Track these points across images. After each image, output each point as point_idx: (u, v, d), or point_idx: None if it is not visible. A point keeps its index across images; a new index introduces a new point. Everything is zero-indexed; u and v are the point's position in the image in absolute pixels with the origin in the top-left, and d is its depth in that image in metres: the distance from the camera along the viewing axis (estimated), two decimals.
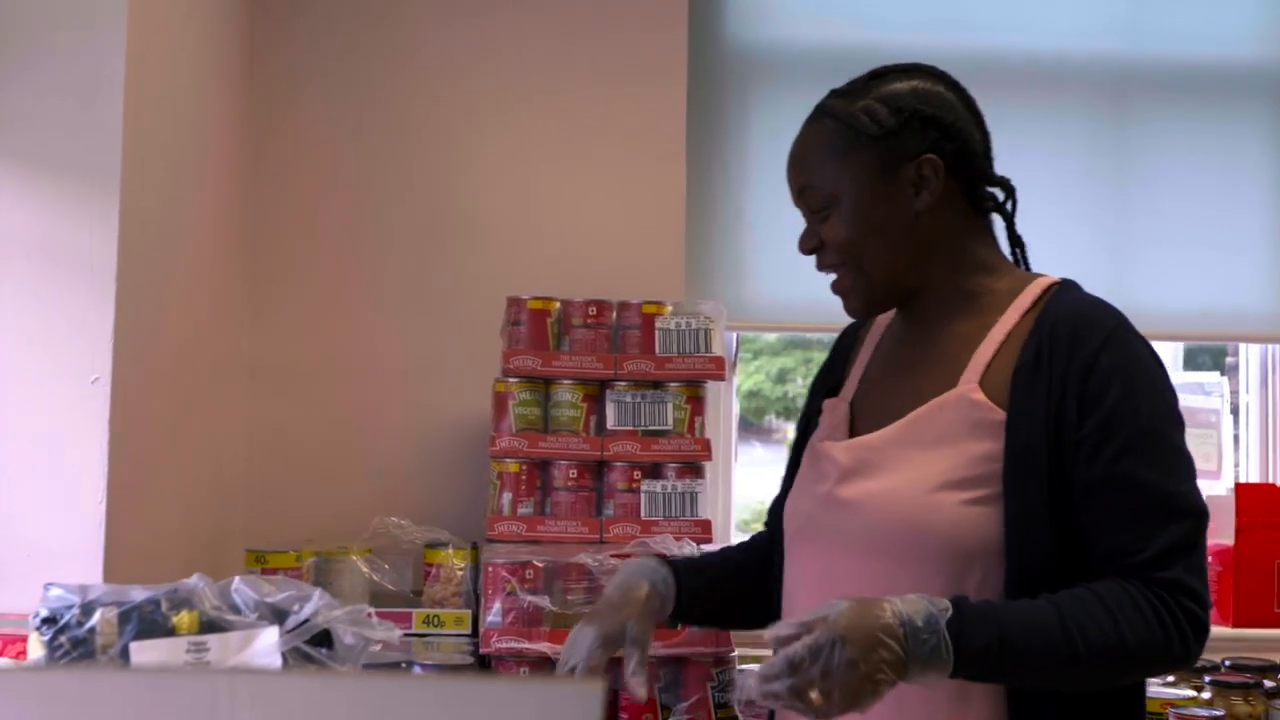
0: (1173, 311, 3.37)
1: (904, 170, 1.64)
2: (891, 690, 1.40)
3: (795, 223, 3.44)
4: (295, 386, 3.08)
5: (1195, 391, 3.51)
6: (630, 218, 3.17)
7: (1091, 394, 1.51)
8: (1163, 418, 1.54)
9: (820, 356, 3.91)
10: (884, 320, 1.82)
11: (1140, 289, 3.35)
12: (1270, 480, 3.42)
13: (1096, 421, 1.51)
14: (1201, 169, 3.43)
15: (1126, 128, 3.41)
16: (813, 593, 1.62)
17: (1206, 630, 1.49)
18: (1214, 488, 3.36)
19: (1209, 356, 3.69)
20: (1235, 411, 3.54)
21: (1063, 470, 1.51)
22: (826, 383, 1.85)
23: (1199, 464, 3.41)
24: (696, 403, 2.67)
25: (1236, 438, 3.53)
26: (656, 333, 2.68)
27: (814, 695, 1.38)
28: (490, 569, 2.42)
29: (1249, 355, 3.54)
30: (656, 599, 1.75)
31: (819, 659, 1.38)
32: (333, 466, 3.06)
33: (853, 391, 1.76)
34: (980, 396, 1.56)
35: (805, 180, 1.70)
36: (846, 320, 3.28)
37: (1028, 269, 1.75)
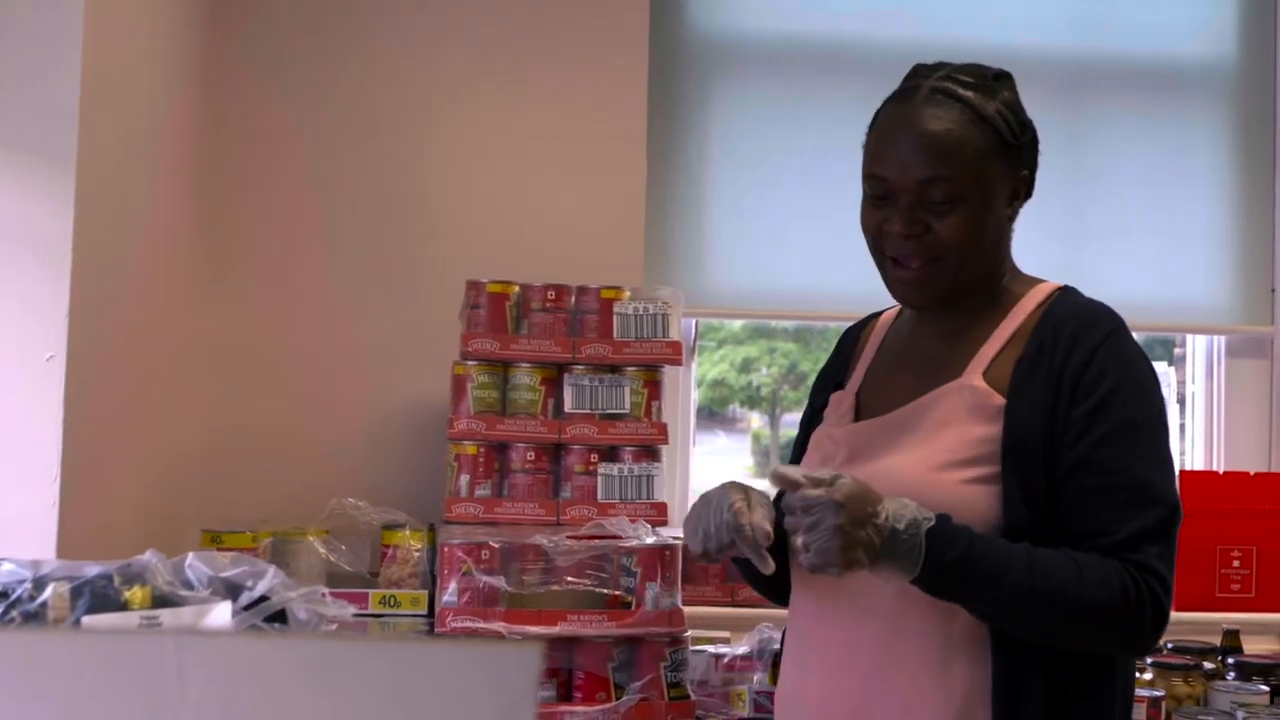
0: (1122, 302, 3.35)
1: (1013, 183, 1.69)
2: (859, 575, 1.52)
3: (756, 212, 3.48)
4: (253, 368, 3.08)
5: None
6: (590, 203, 3.19)
7: (1086, 384, 1.58)
8: (1149, 415, 1.61)
9: (785, 346, 3.93)
10: (887, 319, 1.88)
11: (1090, 280, 3.34)
12: (1213, 467, 3.48)
13: (1087, 409, 1.57)
14: (1151, 163, 3.48)
15: (1078, 122, 3.45)
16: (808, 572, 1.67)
17: (1166, 617, 1.55)
18: None
19: (1158, 347, 3.75)
20: (1182, 401, 3.59)
21: (1053, 453, 1.58)
22: (830, 380, 1.89)
23: None
24: (654, 387, 2.70)
25: (1183, 427, 3.58)
26: (614, 317, 2.71)
27: (798, 541, 1.51)
28: (446, 550, 2.44)
29: (1195, 346, 3.59)
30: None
31: (811, 513, 1.50)
32: (290, 448, 3.07)
33: (858, 384, 1.82)
34: (982, 384, 1.63)
35: (940, 171, 1.63)
36: (804, 309, 3.35)
37: None
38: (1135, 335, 3.45)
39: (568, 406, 2.67)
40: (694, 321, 3.39)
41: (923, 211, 1.64)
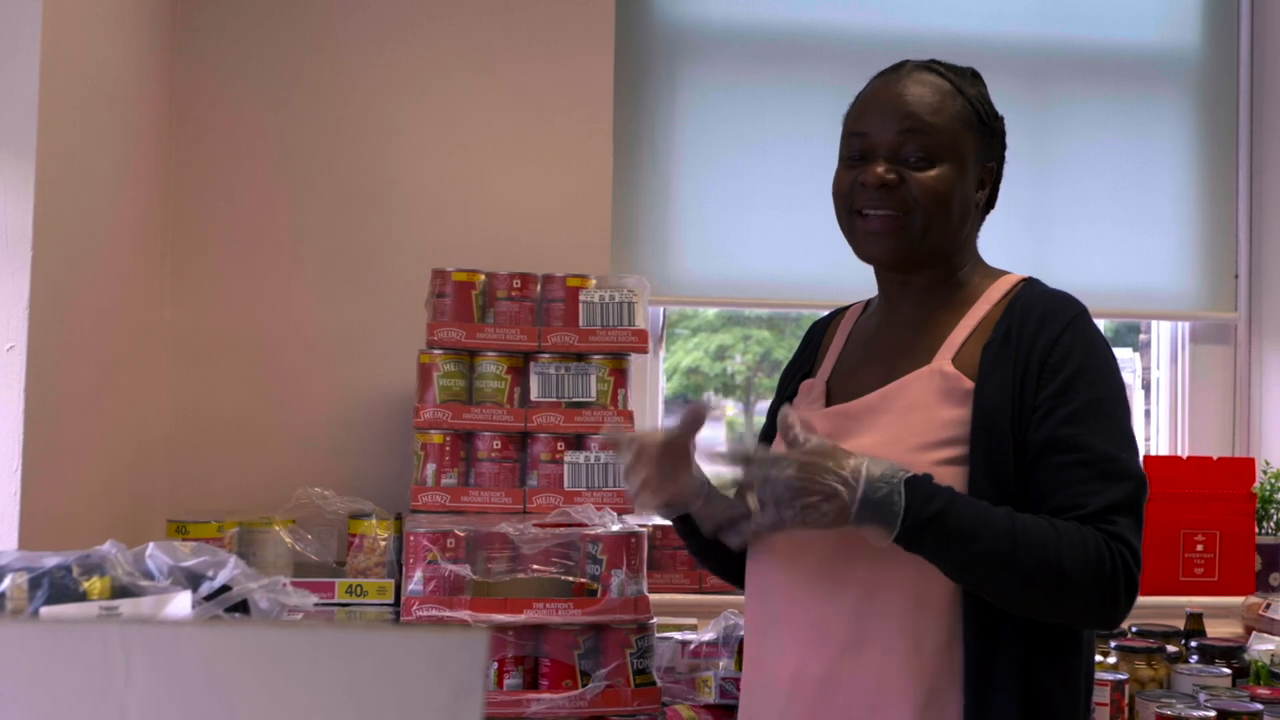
0: (1087, 289, 3.38)
1: (984, 166, 1.76)
2: (829, 525, 1.52)
3: (723, 200, 3.48)
4: (218, 357, 3.07)
5: None
6: (557, 191, 3.19)
7: (1052, 365, 1.62)
8: (1113, 395, 1.64)
9: (759, 334, 3.94)
10: (854, 312, 1.91)
11: (1056, 267, 3.42)
12: (1178, 452, 3.51)
13: (1053, 389, 1.61)
14: (1115, 150, 3.51)
15: (1043, 110, 3.47)
16: (774, 546, 1.71)
17: (1137, 589, 1.57)
18: None
19: (1123, 333, 3.77)
20: (1146, 387, 3.62)
21: (1022, 433, 1.61)
22: (799, 370, 1.92)
23: None
24: (620, 375, 2.70)
25: (1148, 412, 3.61)
26: (580, 306, 2.71)
27: (752, 502, 1.54)
28: (412, 538, 2.43)
29: (1160, 332, 3.62)
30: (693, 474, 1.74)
31: (765, 467, 1.53)
32: (256, 437, 3.06)
33: (828, 372, 1.84)
34: (951, 369, 1.66)
35: (924, 125, 1.70)
36: (771, 296, 3.36)
37: None
38: (1101, 322, 3.50)
39: (534, 395, 2.67)
40: (661, 309, 3.40)
41: (898, 166, 1.71)
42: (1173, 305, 3.52)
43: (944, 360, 1.68)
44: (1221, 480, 3.19)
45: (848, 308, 1.94)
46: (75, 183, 2.28)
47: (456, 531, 2.44)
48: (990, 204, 1.81)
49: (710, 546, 1.83)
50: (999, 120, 1.79)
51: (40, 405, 2.08)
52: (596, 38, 3.23)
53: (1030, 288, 1.73)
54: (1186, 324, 3.57)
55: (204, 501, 2.89)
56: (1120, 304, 3.47)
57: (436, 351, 2.67)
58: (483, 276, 2.72)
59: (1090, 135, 3.49)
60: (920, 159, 1.70)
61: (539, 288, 2.74)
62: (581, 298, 2.71)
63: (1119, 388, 1.66)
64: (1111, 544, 1.54)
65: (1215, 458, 3.27)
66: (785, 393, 1.90)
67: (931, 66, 1.76)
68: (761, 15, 3.42)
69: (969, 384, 1.64)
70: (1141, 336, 3.70)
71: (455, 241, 3.09)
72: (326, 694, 0.76)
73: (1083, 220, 3.48)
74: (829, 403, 1.79)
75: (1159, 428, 3.59)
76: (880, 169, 1.70)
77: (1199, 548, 3.16)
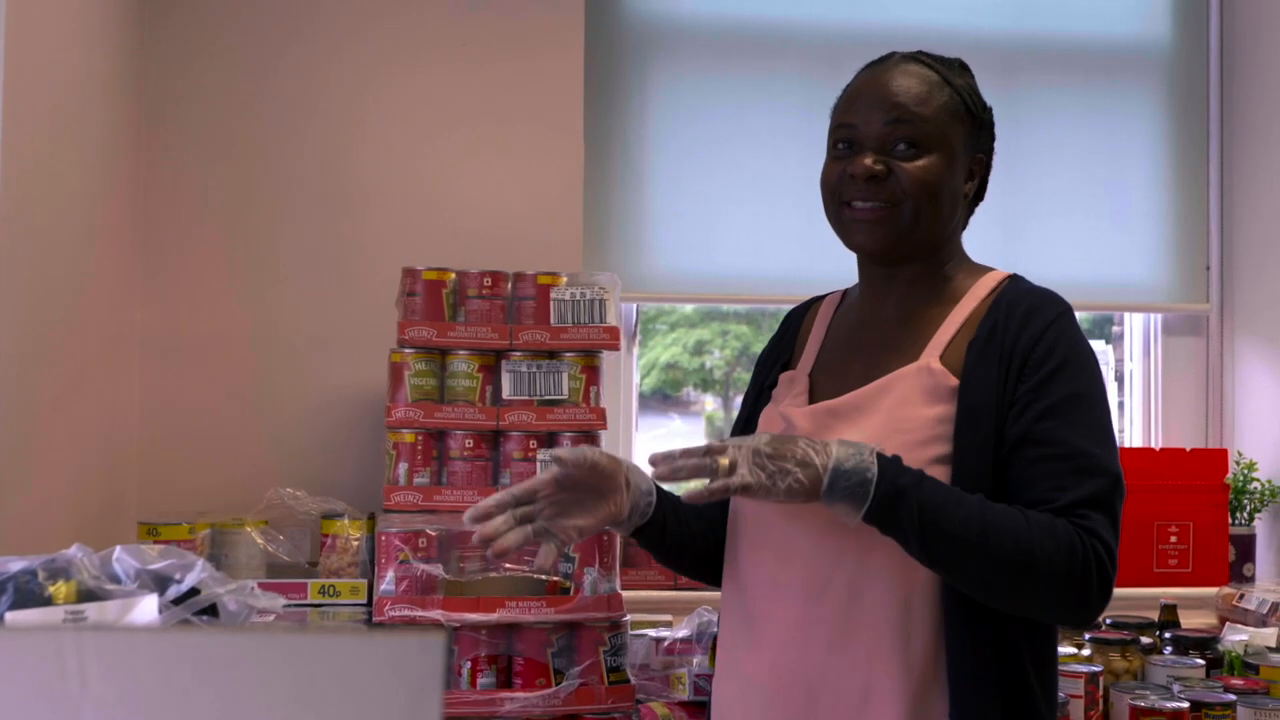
0: (1060, 282, 3.38)
1: (973, 157, 1.77)
2: (800, 495, 1.51)
3: (696, 196, 3.48)
4: (188, 358, 3.05)
5: None
6: (528, 189, 3.18)
7: (1034, 361, 1.62)
8: (1092, 391, 1.63)
9: (737, 329, 3.95)
10: (832, 302, 1.90)
11: (1028, 260, 3.42)
12: (1151, 444, 3.52)
13: (1033, 384, 1.60)
14: (1086, 143, 3.51)
15: (1014, 103, 3.47)
16: (757, 545, 1.70)
17: (1112, 585, 1.56)
18: None
19: (1095, 326, 3.78)
20: (1120, 379, 3.63)
21: (1002, 428, 1.61)
22: (776, 360, 1.90)
23: None
24: (592, 372, 2.69)
25: (1121, 404, 3.62)
26: (552, 303, 2.70)
27: (724, 457, 1.52)
28: (384, 538, 2.42)
29: (1132, 324, 3.64)
30: (628, 493, 1.72)
31: (735, 442, 1.54)
32: (227, 438, 3.04)
33: (810, 365, 1.83)
34: (939, 366, 1.66)
35: (913, 115, 1.70)
36: (744, 292, 3.35)
37: None
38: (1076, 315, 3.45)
39: (506, 393, 2.66)
40: (634, 306, 3.39)
41: (886, 157, 1.70)
42: (1145, 297, 3.53)
43: (931, 357, 1.67)
44: (1195, 471, 3.21)
45: (824, 296, 1.93)
46: (42, 184, 2.26)
47: (428, 531, 2.43)
48: (979, 196, 1.81)
49: (676, 551, 1.85)
50: (987, 111, 1.79)
51: (7, 408, 2.06)
52: (566, 34, 3.22)
53: (1015, 285, 1.73)
54: (1159, 316, 3.58)
55: (175, 503, 2.87)
56: (1093, 296, 3.48)
57: (408, 350, 2.66)
58: (453, 275, 2.71)
59: (1061, 128, 3.50)
60: (908, 150, 1.69)
61: (510, 286, 2.73)
62: (553, 295, 2.71)
63: (1099, 386, 1.66)
64: (1084, 537, 1.52)
65: (1188, 449, 3.29)
66: (764, 382, 1.88)
67: (919, 58, 1.76)
68: (731, 10, 3.42)
69: (954, 381, 1.64)
70: (1114, 328, 3.71)
71: (426, 240, 3.08)
72: (284, 699, 0.75)
73: (1055, 213, 3.48)
74: (813, 398, 1.78)
75: (1132, 419, 3.60)
76: (868, 160, 1.69)
77: (1172, 539, 3.17)
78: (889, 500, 1.51)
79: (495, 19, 3.19)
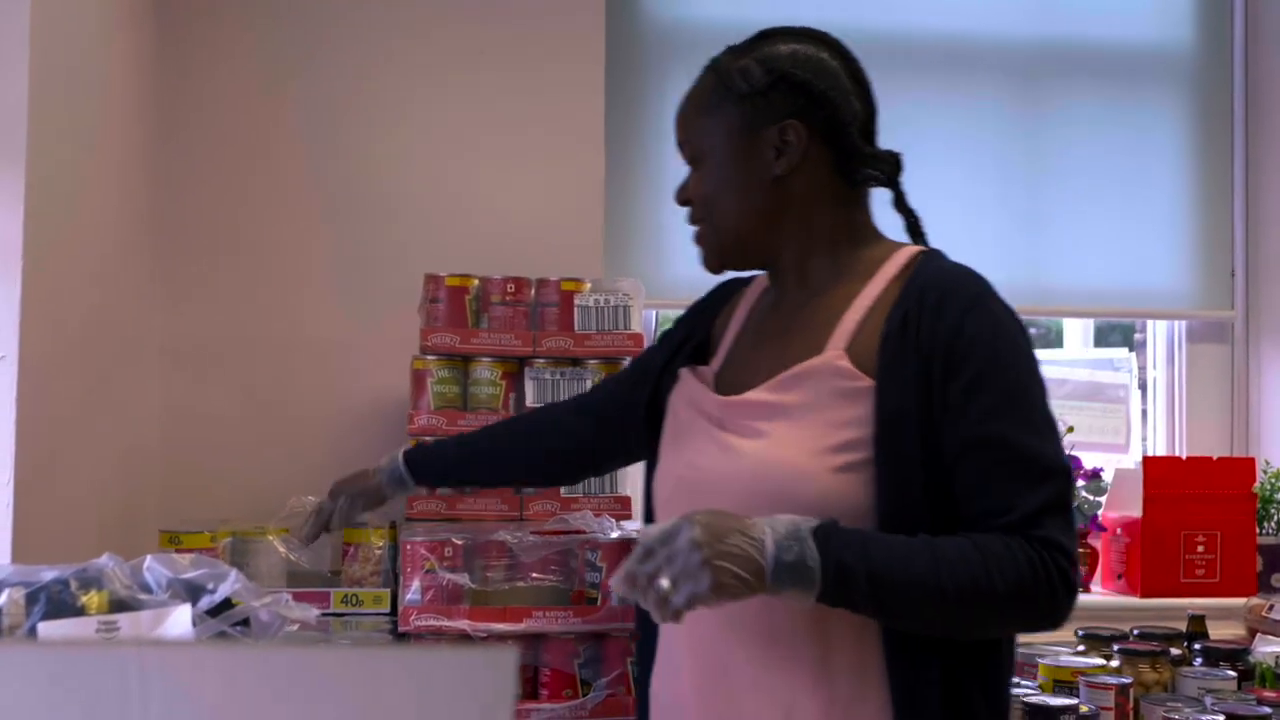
0: (1084, 289, 3.44)
1: (766, 132, 1.66)
2: (747, 593, 1.40)
3: None
4: (210, 365, 3.04)
5: (1105, 367, 3.57)
6: (550, 196, 3.16)
7: (958, 357, 1.52)
8: (1026, 380, 1.55)
9: None
10: (755, 291, 1.83)
11: (1052, 267, 3.41)
12: (1176, 453, 3.49)
13: (963, 384, 1.51)
14: (1111, 149, 3.49)
15: (1037, 108, 3.45)
16: None
17: (1077, 587, 1.50)
18: (1122, 461, 3.42)
19: (1118, 333, 3.76)
20: (1144, 387, 3.61)
21: (933, 434, 1.51)
22: (688, 336, 1.86)
23: (1110, 438, 3.48)
24: None
25: (1145, 412, 3.60)
26: (575, 310, 2.68)
27: (663, 582, 1.39)
28: (409, 547, 2.40)
29: (1156, 332, 3.61)
30: (377, 478, 2.25)
31: (668, 543, 1.41)
32: (249, 446, 3.02)
33: (720, 361, 1.77)
34: (846, 364, 1.56)
35: (682, 133, 1.74)
36: None
37: (925, 243, 1.74)
38: (1096, 322, 3.47)
39: (529, 400, 2.64)
40: (654, 313, 3.37)
41: (689, 178, 1.74)
42: (1169, 304, 3.51)
43: (837, 350, 1.58)
44: (1221, 480, 3.18)
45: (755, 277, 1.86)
46: (65, 191, 2.25)
47: (454, 540, 2.41)
48: (847, 153, 1.67)
49: (488, 482, 2.37)
50: (772, 74, 1.66)
51: (32, 415, 2.05)
52: (587, 42, 3.21)
53: (927, 265, 1.62)
54: (1183, 323, 3.56)
55: (197, 511, 2.85)
56: (1116, 303, 3.46)
57: (430, 357, 2.64)
58: (476, 281, 2.69)
59: (1084, 134, 3.48)
60: (694, 168, 1.72)
61: (533, 292, 2.71)
62: (576, 301, 2.69)
63: (1031, 368, 1.56)
64: (1043, 552, 1.46)
65: (1215, 458, 3.25)
66: (671, 362, 1.83)
67: (710, 60, 1.76)
68: (751, 16, 3.35)
69: (867, 381, 1.54)
70: (1137, 336, 3.69)
71: (448, 246, 3.06)
72: (351, 717, 0.73)
73: (1077, 220, 3.46)
74: (721, 386, 1.71)
75: (1156, 428, 3.57)
76: (678, 189, 1.74)
77: (1200, 549, 3.14)
78: (838, 581, 1.42)
79: (516, 27, 3.18)
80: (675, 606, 1.40)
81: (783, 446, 1.55)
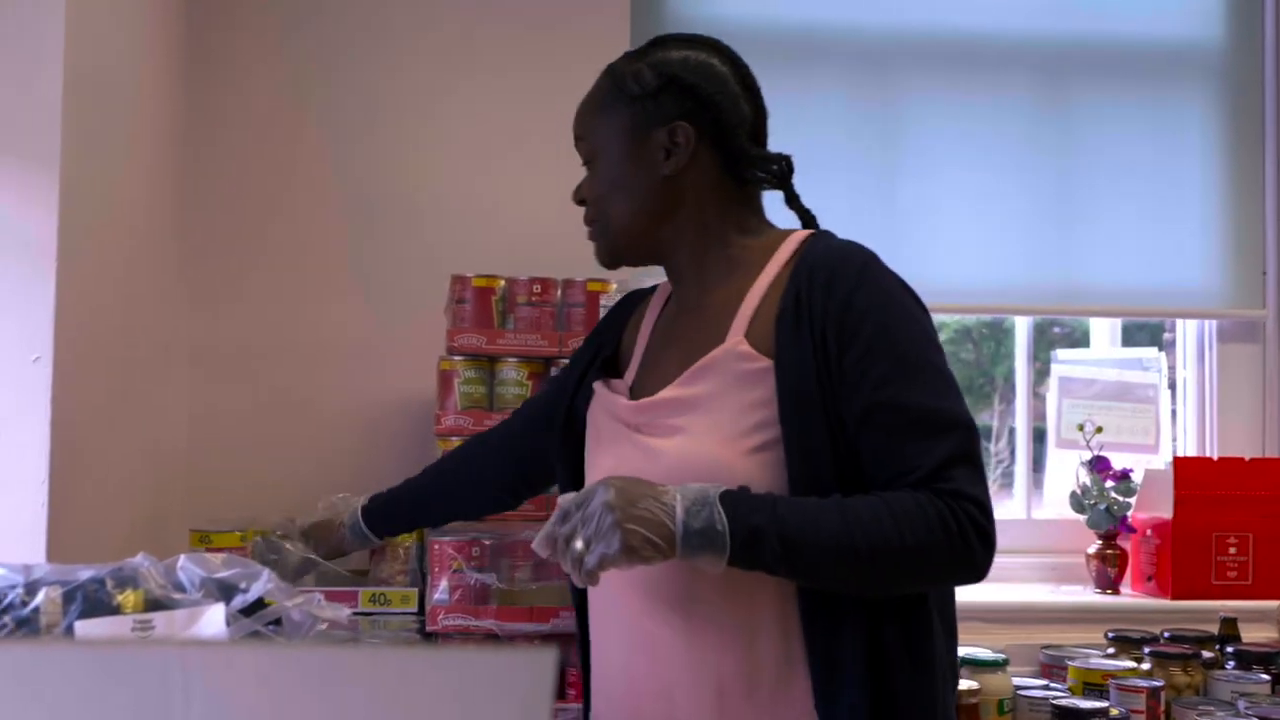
0: (1113, 288, 3.42)
1: (655, 134, 1.71)
2: (659, 556, 1.45)
3: None
4: (238, 367, 3.05)
5: (1134, 367, 3.55)
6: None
7: (849, 329, 1.55)
8: (918, 343, 1.57)
9: None
10: (660, 299, 1.87)
11: (1081, 267, 3.39)
12: (1206, 453, 3.47)
13: (856, 355, 1.54)
14: (1140, 147, 3.47)
15: (1066, 106, 3.43)
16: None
17: (992, 540, 1.51)
18: (1152, 462, 3.41)
19: (1147, 333, 3.74)
20: (1173, 386, 3.59)
21: (834, 407, 1.54)
22: (597, 351, 1.90)
23: (1139, 438, 3.45)
24: None
25: (1174, 413, 3.57)
26: (601, 310, 2.68)
27: (578, 544, 1.45)
28: (437, 547, 2.41)
29: (1186, 331, 3.59)
30: (341, 532, 2.36)
31: (584, 505, 1.46)
32: (277, 447, 3.04)
33: (634, 371, 1.81)
34: (746, 348, 1.60)
35: (577, 132, 1.81)
36: None
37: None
38: (1124, 321, 3.45)
39: None
40: None
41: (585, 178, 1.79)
42: (1199, 303, 3.48)
43: (737, 337, 1.61)
44: (1253, 481, 3.15)
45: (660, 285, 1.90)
46: (97, 193, 2.26)
47: (482, 540, 2.41)
48: (740, 161, 1.73)
49: (441, 520, 2.35)
50: (661, 77, 1.72)
51: (66, 416, 2.06)
52: (612, 41, 3.20)
53: (815, 245, 1.67)
54: (1214, 322, 3.53)
55: (226, 511, 2.86)
56: (1146, 302, 3.43)
57: (457, 358, 2.65)
58: (502, 282, 2.70)
59: (1112, 131, 3.46)
60: (586, 164, 1.77)
61: (559, 292, 2.72)
62: (602, 302, 2.69)
63: (923, 333, 1.59)
64: (951, 502, 1.48)
65: (1247, 459, 3.23)
66: (587, 375, 1.86)
67: (608, 65, 1.80)
68: (775, 15, 3.39)
69: (765, 362, 1.58)
70: (1167, 335, 3.67)
71: (474, 247, 3.06)
72: (393, 717, 0.73)
73: (1106, 218, 3.44)
74: (634, 395, 1.74)
75: (1187, 429, 3.55)
76: (575, 189, 1.80)
77: (1232, 550, 3.12)
78: (747, 544, 1.45)
79: (542, 27, 3.18)
80: (588, 567, 1.45)
81: (698, 440, 1.58)
